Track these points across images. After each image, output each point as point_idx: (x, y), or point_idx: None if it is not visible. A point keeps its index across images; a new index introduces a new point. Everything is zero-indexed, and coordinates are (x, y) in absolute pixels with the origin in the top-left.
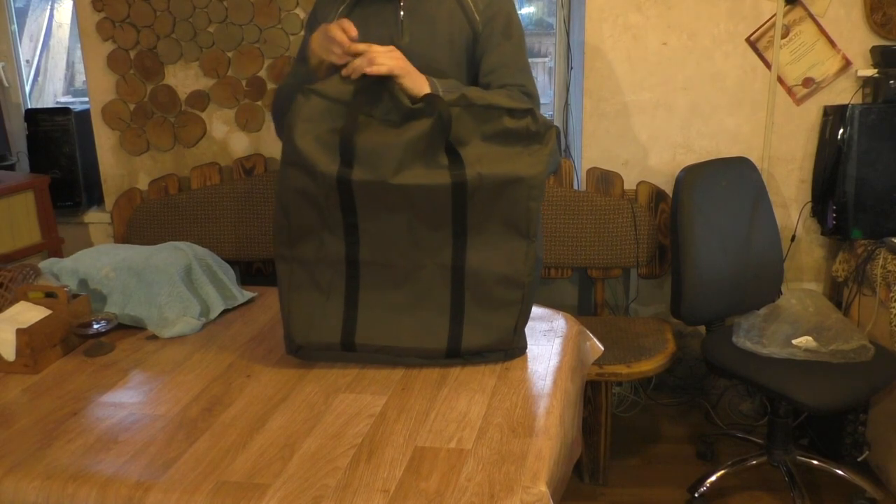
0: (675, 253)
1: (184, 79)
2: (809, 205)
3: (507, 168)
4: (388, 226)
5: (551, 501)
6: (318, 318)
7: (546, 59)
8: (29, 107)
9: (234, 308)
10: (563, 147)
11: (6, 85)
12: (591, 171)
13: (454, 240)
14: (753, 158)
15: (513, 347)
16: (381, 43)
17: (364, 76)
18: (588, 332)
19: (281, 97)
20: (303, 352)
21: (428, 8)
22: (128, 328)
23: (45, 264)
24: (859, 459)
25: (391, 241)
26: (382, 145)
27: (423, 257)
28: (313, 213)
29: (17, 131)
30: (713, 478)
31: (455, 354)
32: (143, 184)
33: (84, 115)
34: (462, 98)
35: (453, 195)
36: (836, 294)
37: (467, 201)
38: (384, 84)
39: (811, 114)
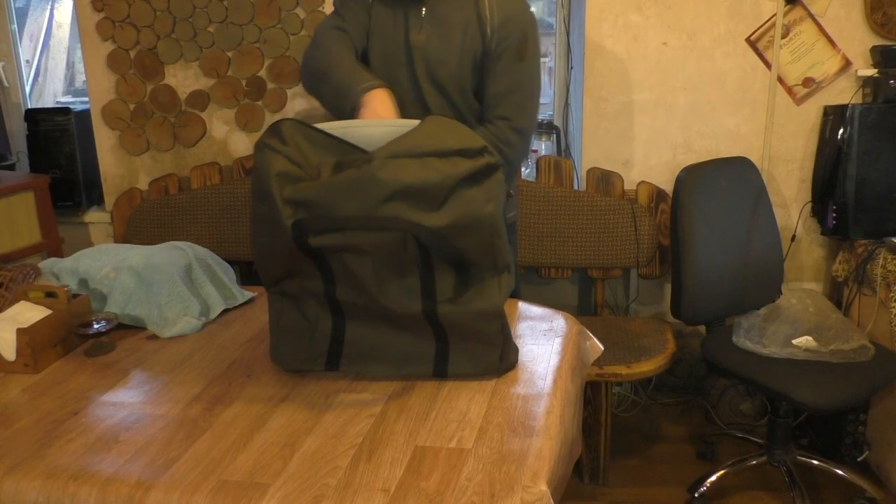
0: (675, 253)
1: (184, 79)
2: (809, 205)
3: (463, 212)
4: (356, 270)
5: (552, 501)
6: (303, 348)
7: (546, 59)
8: (29, 107)
9: (234, 308)
10: (562, 147)
11: (6, 85)
12: (592, 171)
13: (422, 286)
14: (753, 158)
15: (502, 370)
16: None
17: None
18: (588, 331)
19: (319, 56)
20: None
21: (447, 11)
22: (128, 328)
23: (45, 264)
24: (859, 459)
25: (361, 286)
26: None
27: (395, 302)
28: (287, 263)
29: (17, 131)
30: (713, 478)
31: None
32: (143, 184)
33: (84, 115)
34: (408, 152)
35: (417, 247)
36: (836, 294)
37: (428, 252)
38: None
39: (811, 114)
